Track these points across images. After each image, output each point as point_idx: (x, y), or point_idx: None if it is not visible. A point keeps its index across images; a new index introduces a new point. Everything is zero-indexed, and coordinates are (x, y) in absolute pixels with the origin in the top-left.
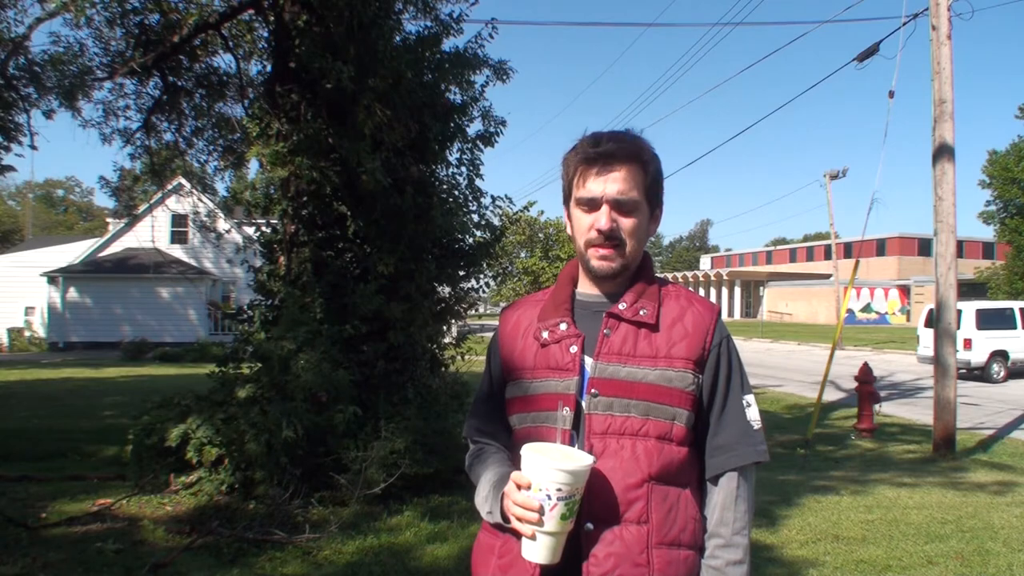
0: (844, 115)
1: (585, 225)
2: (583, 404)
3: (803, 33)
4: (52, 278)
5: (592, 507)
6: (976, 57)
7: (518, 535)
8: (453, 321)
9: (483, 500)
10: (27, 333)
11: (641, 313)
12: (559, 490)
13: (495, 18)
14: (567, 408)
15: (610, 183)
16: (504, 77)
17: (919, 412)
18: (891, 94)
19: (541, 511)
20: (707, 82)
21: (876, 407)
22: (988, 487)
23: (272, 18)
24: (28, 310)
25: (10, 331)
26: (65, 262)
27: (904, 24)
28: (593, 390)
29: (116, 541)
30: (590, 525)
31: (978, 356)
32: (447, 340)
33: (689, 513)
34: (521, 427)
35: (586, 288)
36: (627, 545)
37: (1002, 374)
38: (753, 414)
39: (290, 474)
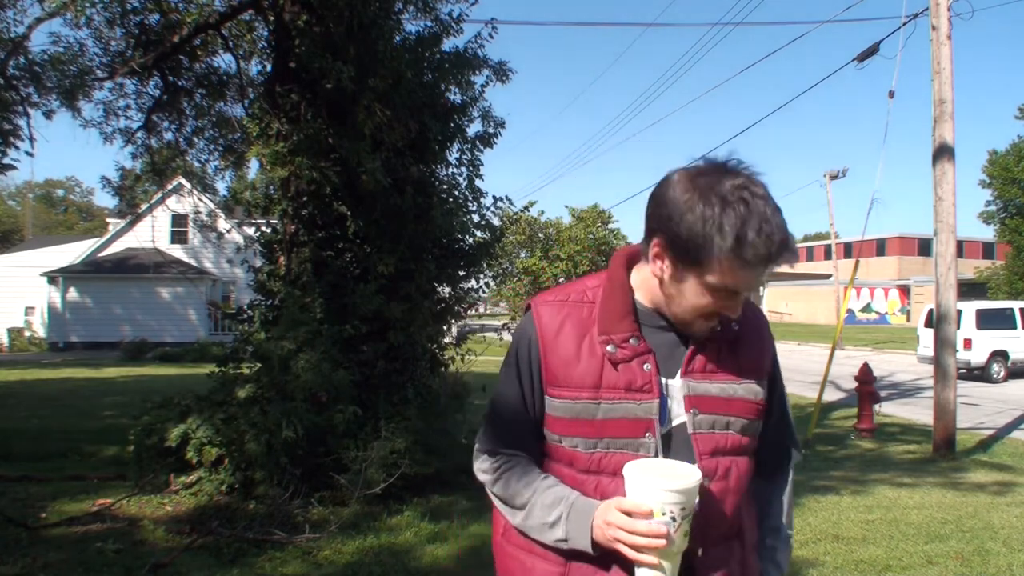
0: (844, 115)
1: (708, 302)
2: (686, 424)
3: (803, 33)
4: (52, 278)
5: (704, 531)
6: (976, 57)
7: (623, 565)
8: (453, 321)
9: (548, 525)
10: (27, 333)
11: (734, 327)
12: (683, 510)
13: (495, 18)
14: (649, 434)
15: (756, 281)
16: (504, 78)
17: (919, 412)
18: (891, 94)
19: (668, 537)
20: (707, 82)
21: (876, 407)
22: (988, 487)
23: (272, 18)
24: (28, 310)
25: (10, 331)
26: (65, 262)
27: (904, 24)
28: (693, 408)
29: (116, 541)
30: (701, 551)
31: (978, 356)
32: (447, 340)
33: (752, 523)
34: (588, 453)
35: (644, 298)
36: (731, 560)
37: (1002, 374)
38: (791, 414)
39: (290, 474)
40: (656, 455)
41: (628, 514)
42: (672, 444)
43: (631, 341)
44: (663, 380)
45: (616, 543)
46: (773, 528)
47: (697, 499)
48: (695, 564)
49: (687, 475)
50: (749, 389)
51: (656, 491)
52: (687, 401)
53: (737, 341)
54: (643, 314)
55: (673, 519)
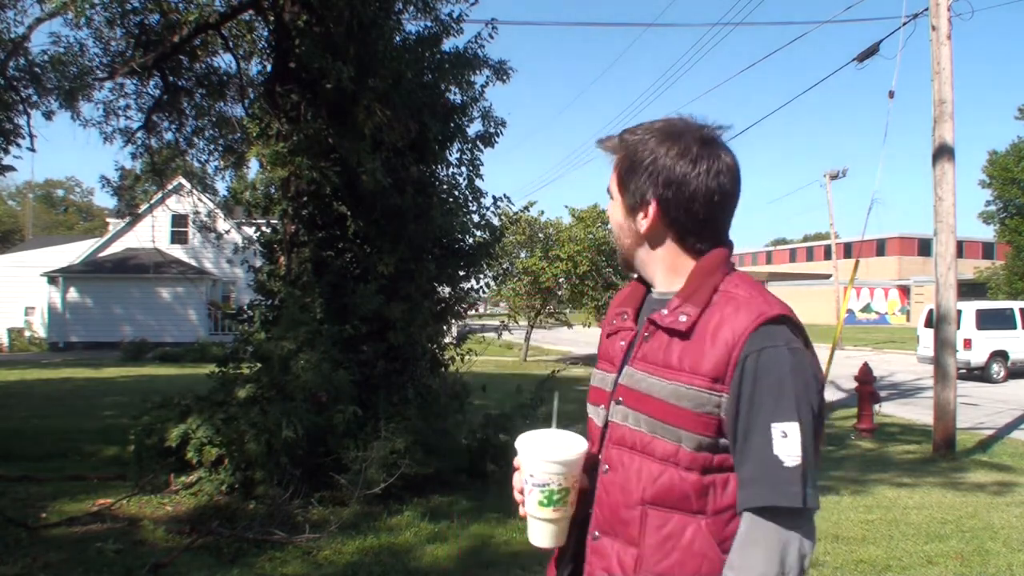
0: (844, 115)
1: None
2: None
3: (803, 33)
4: (52, 278)
5: (596, 516)
6: (976, 57)
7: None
8: (453, 321)
9: None
10: (27, 333)
11: (680, 319)
12: (532, 476)
13: (495, 18)
14: (603, 406)
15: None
16: (504, 77)
17: (919, 412)
18: (891, 94)
19: (524, 493)
20: (707, 82)
21: (876, 407)
22: (988, 487)
23: (272, 18)
24: (28, 310)
25: (10, 331)
26: (65, 262)
27: (904, 24)
28: (619, 397)
29: (116, 541)
30: (597, 534)
31: (978, 356)
32: (447, 340)
33: (696, 548)
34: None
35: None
36: (621, 565)
37: (1002, 374)
38: (787, 447)
39: (290, 474)
40: (602, 424)
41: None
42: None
43: (622, 317)
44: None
45: None
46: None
47: (564, 474)
48: (588, 545)
49: (557, 448)
50: (674, 391)
51: (521, 452)
52: (617, 390)
53: (686, 337)
54: (652, 300)
55: (526, 481)
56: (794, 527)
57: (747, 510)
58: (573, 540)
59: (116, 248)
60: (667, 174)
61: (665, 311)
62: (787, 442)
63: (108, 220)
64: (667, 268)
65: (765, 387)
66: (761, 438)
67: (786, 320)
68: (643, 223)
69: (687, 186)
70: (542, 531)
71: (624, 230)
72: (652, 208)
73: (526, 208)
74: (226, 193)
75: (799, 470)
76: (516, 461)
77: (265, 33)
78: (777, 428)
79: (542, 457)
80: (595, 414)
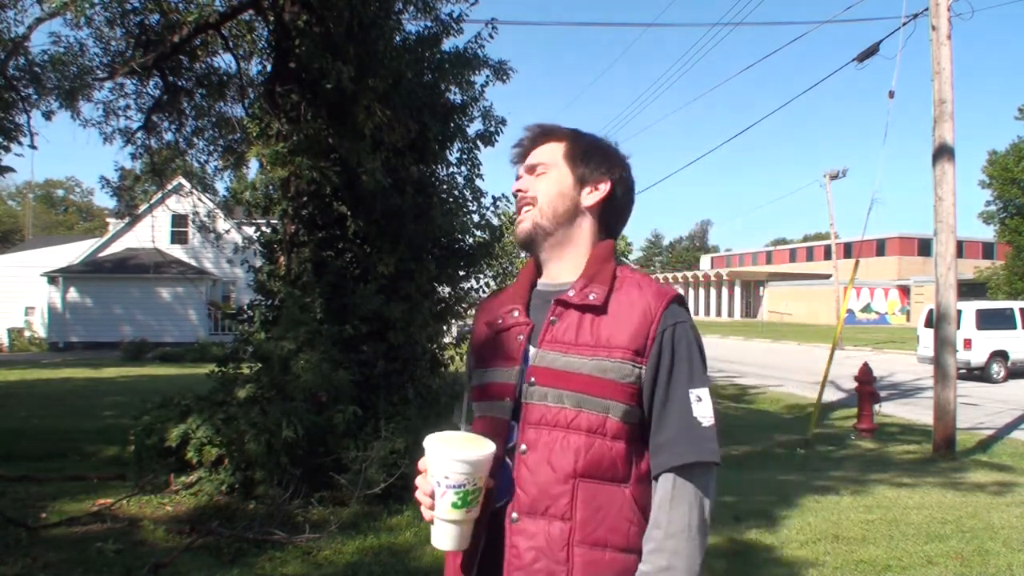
0: (844, 115)
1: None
2: (522, 394)
3: (803, 33)
4: (52, 278)
5: (519, 499)
6: (976, 57)
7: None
8: (453, 321)
9: None
10: (27, 333)
11: (590, 298)
12: (447, 477)
13: (495, 18)
14: (508, 398)
15: (529, 157)
16: (504, 77)
17: (919, 412)
18: (891, 94)
19: (434, 497)
20: (707, 82)
21: (876, 407)
22: (988, 487)
23: (272, 18)
24: (28, 310)
25: (10, 331)
26: (65, 262)
27: (904, 24)
28: (532, 379)
29: (116, 541)
30: (515, 516)
31: (978, 356)
32: (447, 340)
33: (623, 514)
34: (478, 415)
35: (545, 278)
36: (549, 540)
37: (1002, 374)
38: (702, 410)
39: (290, 474)
40: (512, 418)
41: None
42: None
43: (513, 314)
44: (532, 350)
45: None
46: (646, 536)
47: (475, 475)
48: (508, 528)
49: (469, 448)
50: (598, 365)
51: (430, 455)
52: (528, 371)
53: (602, 314)
54: (541, 293)
55: (439, 484)
56: (706, 482)
57: (669, 470)
58: (478, 540)
59: (116, 248)
60: (621, 164)
61: (572, 292)
62: (702, 405)
63: (108, 220)
64: (574, 249)
65: (681, 357)
66: (680, 404)
67: (683, 300)
68: (590, 197)
69: (629, 180)
70: (449, 533)
71: (564, 198)
72: (605, 186)
73: None
74: (226, 193)
75: (713, 429)
76: (422, 463)
77: (265, 33)
78: (693, 393)
79: (457, 457)
80: (496, 409)
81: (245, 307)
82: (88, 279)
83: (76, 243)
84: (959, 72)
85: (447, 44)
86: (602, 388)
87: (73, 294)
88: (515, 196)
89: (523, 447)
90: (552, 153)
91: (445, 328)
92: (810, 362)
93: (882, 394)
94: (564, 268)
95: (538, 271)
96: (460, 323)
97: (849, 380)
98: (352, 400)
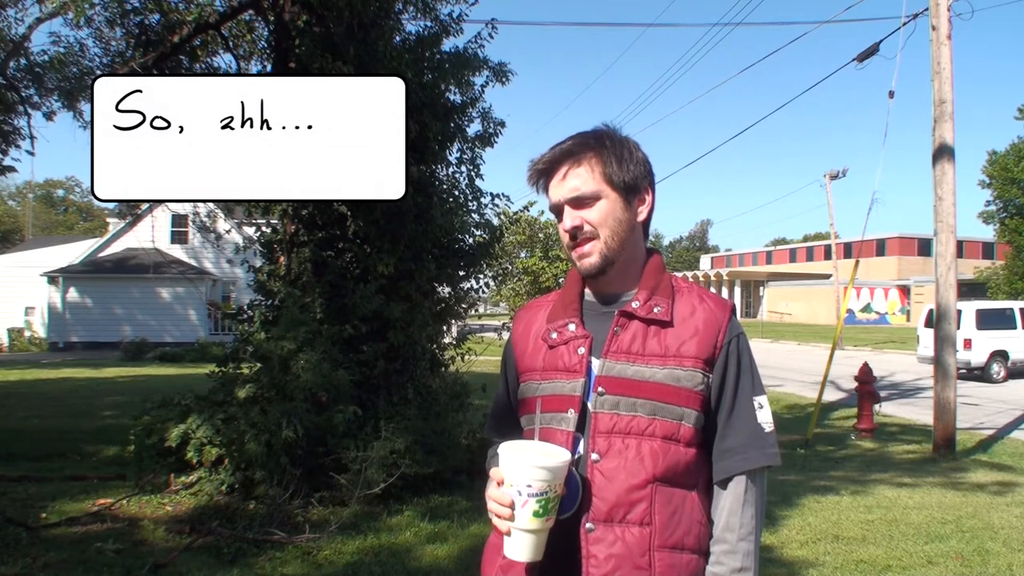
0: (844, 115)
1: (561, 234)
2: (589, 404)
3: (803, 33)
4: (52, 278)
5: (594, 507)
6: (976, 57)
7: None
8: (453, 321)
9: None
10: (27, 333)
11: (655, 311)
12: (529, 486)
13: (495, 18)
14: (572, 410)
15: (563, 186)
16: (504, 79)
17: (919, 412)
18: (891, 94)
19: (513, 507)
20: (707, 82)
21: (876, 407)
22: (988, 487)
23: (272, 18)
24: (28, 310)
25: (10, 331)
26: (65, 262)
27: (904, 24)
28: (600, 388)
29: (116, 541)
30: (591, 525)
31: (978, 356)
32: (447, 340)
33: (695, 517)
34: (529, 428)
35: (595, 288)
36: (629, 547)
37: (1002, 374)
38: (764, 416)
39: (290, 474)
40: (576, 429)
41: (496, 484)
42: (586, 423)
43: (569, 327)
44: (596, 361)
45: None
46: (719, 539)
47: (554, 482)
48: (583, 538)
49: (549, 456)
50: (671, 374)
51: (511, 464)
52: (596, 381)
53: (668, 326)
54: (592, 304)
55: (520, 493)
56: (764, 484)
57: (740, 474)
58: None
59: (116, 248)
60: (646, 162)
61: (636, 303)
62: (764, 412)
63: (108, 220)
64: (629, 262)
65: (745, 368)
66: (747, 411)
67: (736, 311)
68: (642, 211)
69: (654, 177)
70: (529, 543)
71: (624, 224)
72: (649, 196)
73: (526, 208)
74: None
75: (774, 434)
76: (496, 474)
77: (265, 33)
78: (756, 401)
79: (540, 464)
80: (560, 421)
81: (245, 307)
82: (88, 279)
83: (76, 243)
84: (959, 72)
85: (447, 44)
86: (676, 396)
87: (73, 294)
88: (569, 234)
89: (595, 456)
90: (591, 181)
91: (445, 328)
92: (810, 362)
93: (882, 394)
94: (615, 279)
95: (582, 281)
96: (460, 323)
97: (849, 380)
98: (352, 400)
